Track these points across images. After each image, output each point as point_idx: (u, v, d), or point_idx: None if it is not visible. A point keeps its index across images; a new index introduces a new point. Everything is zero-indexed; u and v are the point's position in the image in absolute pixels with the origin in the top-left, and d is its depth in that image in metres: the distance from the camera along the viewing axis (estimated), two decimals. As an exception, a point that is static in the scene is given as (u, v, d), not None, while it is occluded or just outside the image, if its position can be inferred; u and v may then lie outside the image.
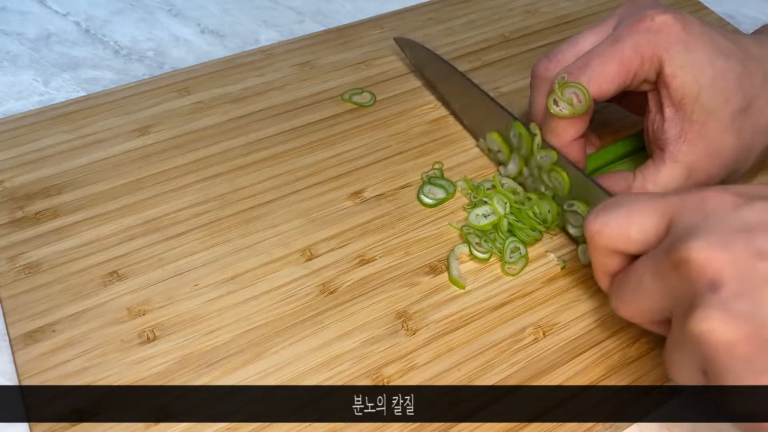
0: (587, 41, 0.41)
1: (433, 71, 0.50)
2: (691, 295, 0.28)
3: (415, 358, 0.36)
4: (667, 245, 0.30)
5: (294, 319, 0.37)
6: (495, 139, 0.44)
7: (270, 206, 0.42)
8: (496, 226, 0.41)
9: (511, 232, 0.41)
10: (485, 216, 0.42)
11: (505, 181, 0.43)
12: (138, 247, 0.40)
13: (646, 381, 0.35)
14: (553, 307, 0.38)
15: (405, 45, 0.51)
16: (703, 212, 0.29)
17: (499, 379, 0.35)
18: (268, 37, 0.56)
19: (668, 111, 0.39)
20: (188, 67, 0.51)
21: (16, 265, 0.39)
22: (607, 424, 0.34)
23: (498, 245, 0.40)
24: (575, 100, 0.39)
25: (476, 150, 0.47)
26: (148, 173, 0.44)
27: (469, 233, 0.41)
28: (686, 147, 0.39)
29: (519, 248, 0.41)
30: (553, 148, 0.40)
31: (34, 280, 0.38)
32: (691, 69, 0.37)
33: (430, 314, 0.38)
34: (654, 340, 0.37)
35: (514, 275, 0.39)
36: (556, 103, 0.39)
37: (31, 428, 0.33)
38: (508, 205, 0.42)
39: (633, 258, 0.33)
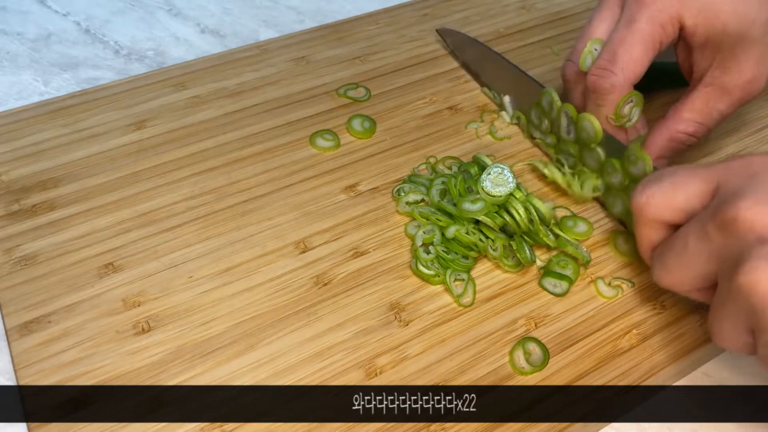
0: (600, 30, 0.42)
1: (475, 57, 0.51)
2: (738, 253, 0.29)
3: (407, 348, 0.36)
4: (714, 208, 0.30)
5: (288, 311, 0.37)
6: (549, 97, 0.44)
7: (264, 199, 0.43)
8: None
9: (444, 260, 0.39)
10: (425, 232, 0.40)
11: (424, 210, 0.41)
12: (133, 240, 0.40)
13: (636, 373, 0.35)
14: (545, 299, 0.38)
15: (446, 35, 0.53)
16: (749, 174, 0.30)
17: (491, 369, 0.35)
18: (268, 36, 0.56)
19: (698, 50, 0.40)
20: (184, 62, 0.51)
21: (13, 257, 0.39)
22: (598, 416, 0.34)
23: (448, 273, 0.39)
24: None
25: (469, 145, 0.47)
26: (144, 167, 0.44)
27: (420, 246, 0.40)
28: (719, 71, 0.40)
29: (462, 277, 0.39)
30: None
31: (30, 272, 0.38)
32: (711, 9, 0.39)
33: (423, 306, 0.38)
34: (644, 332, 0.37)
35: (467, 306, 0.38)
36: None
37: (26, 419, 0.33)
38: (437, 234, 0.40)
39: (675, 229, 0.34)
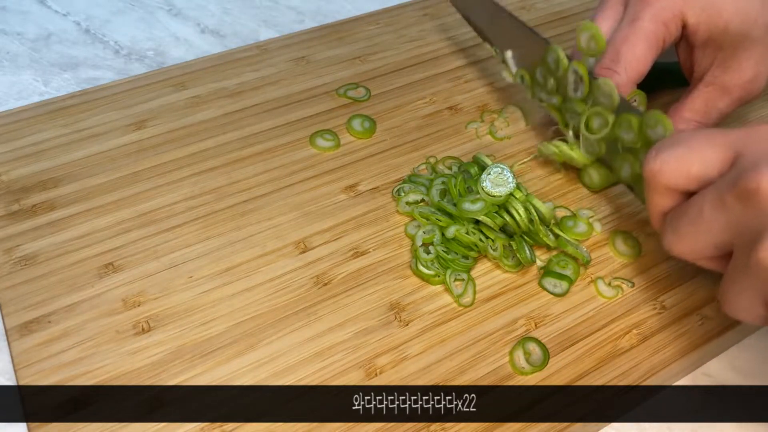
0: (604, 27, 0.41)
1: (477, 10, 0.50)
2: (759, 225, 0.28)
3: (407, 348, 0.36)
4: (733, 176, 0.29)
5: (288, 311, 0.37)
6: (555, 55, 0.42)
7: (264, 199, 0.43)
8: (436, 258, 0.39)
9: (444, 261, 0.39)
10: (425, 232, 0.40)
11: (424, 209, 0.41)
12: (133, 240, 0.40)
13: (636, 373, 0.35)
14: (546, 299, 0.38)
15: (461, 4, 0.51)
16: None
17: (491, 370, 0.35)
18: (268, 36, 0.56)
19: (699, 49, 0.40)
20: (184, 62, 0.51)
21: (13, 257, 0.39)
22: (598, 416, 0.34)
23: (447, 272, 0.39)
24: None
25: (470, 145, 0.47)
26: (144, 167, 0.44)
27: (420, 247, 0.40)
28: (720, 70, 0.40)
29: (462, 277, 0.39)
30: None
31: (30, 272, 0.38)
32: (713, 7, 0.39)
33: (423, 306, 0.38)
34: (644, 332, 0.37)
35: (467, 306, 0.38)
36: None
37: (26, 419, 0.33)
38: (437, 234, 0.40)
39: (688, 197, 0.33)
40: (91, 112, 0.48)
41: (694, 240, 0.32)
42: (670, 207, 0.33)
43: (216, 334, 0.36)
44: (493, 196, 0.38)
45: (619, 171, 0.40)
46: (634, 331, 0.37)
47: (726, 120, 0.43)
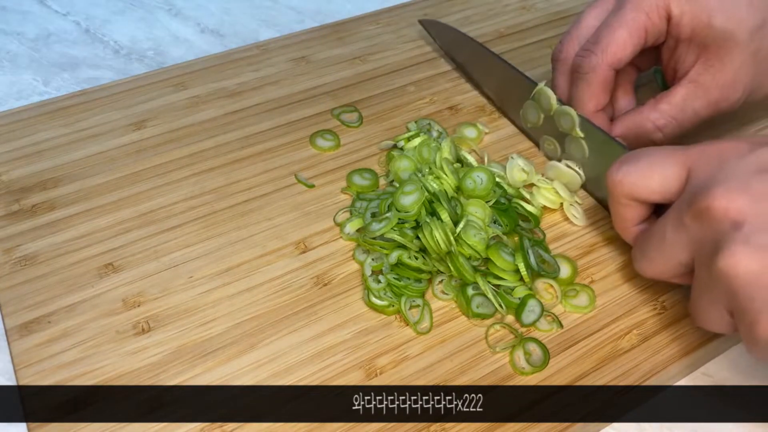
0: (590, 18, 0.43)
1: (460, 51, 0.51)
2: (714, 240, 0.30)
3: (407, 349, 0.36)
4: (688, 197, 0.31)
5: (288, 311, 0.37)
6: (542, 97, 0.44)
7: (265, 199, 0.43)
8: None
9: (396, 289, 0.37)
10: (373, 259, 0.39)
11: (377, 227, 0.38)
12: (133, 240, 0.40)
13: (637, 373, 0.35)
14: (546, 299, 0.38)
15: (431, 27, 0.52)
16: (721, 160, 0.31)
17: (491, 370, 0.35)
18: (268, 36, 0.56)
19: (683, 44, 0.41)
20: (184, 62, 0.51)
21: (13, 257, 0.39)
22: (598, 416, 0.34)
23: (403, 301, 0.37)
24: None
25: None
26: (144, 167, 0.44)
27: (369, 276, 0.38)
28: (702, 68, 0.41)
29: (417, 303, 0.37)
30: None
31: (30, 272, 0.38)
32: (697, 0, 0.39)
33: (423, 305, 0.38)
34: (645, 333, 0.37)
35: (425, 333, 0.36)
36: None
37: (26, 419, 0.33)
38: (386, 261, 0.38)
39: (651, 208, 0.35)
40: (91, 112, 0.48)
41: (663, 261, 0.34)
42: (633, 218, 0.36)
43: (216, 335, 0.36)
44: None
45: (597, 186, 0.42)
46: (635, 331, 0.37)
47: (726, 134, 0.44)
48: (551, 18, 0.57)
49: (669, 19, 0.40)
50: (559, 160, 0.43)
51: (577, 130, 0.42)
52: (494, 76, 0.48)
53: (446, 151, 0.42)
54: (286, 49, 0.53)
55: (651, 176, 0.34)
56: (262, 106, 0.49)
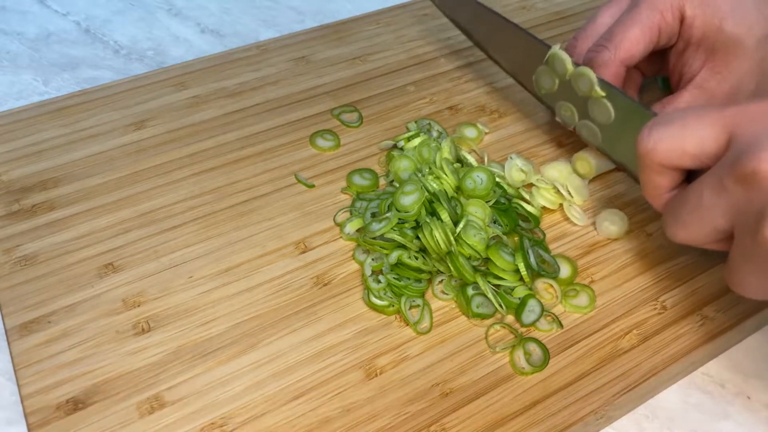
0: (605, 16, 0.43)
1: (476, 24, 0.48)
2: (760, 206, 0.28)
3: (407, 349, 0.36)
4: (731, 159, 0.29)
5: (288, 311, 0.37)
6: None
7: (265, 199, 0.43)
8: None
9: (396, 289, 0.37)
10: (373, 259, 0.39)
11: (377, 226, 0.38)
12: (133, 240, 0.40)
13: (637, 373, 0.35)
14: (546, 299, 0.38)
15: (444, 2, 0.50)
16: (766, 121, 0.29)
17: (491, 370, 0.35)
18: (268, 36, 0.56)
19: (692, 47, 0.41)
20: (184, 62, 0.51)
21: (13, 257, 0.39)
22: (598, 416, 0.34)
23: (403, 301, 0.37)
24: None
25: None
26: (144, 167, 0.44)
27: (369, 276, 0.38)
28: (708, 73, 0.41)
29: (417, 303, 0.37)
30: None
31: (30, 272, 0.38)
32: (711, 3, 0.39)
33: (423, 305, 0.38)
34: (645, 333, 0.37)
35: (425, 333, 0.36)
36: None
37: (26, 419, 0.33)
38: (386, 261, 0.38)
39: (684, 174, 0.33)
40: (91, 112, 0.48)
41: (697, 227, 0.32)
42: (667, 186, 0.33)
43: (216, 335, 0.36)
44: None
45: (615, 153, 0.41)
46: (635, 331, 0.37)
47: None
48: (551, 18, 0.57)
49: (682, 20, 0.40)
50: (574, 128, 0.43)
51: (597, 89, 0.40)
52: (510, 45, 0.46)
53: (446, 151, 0.42)
54: (286, 49, 0.53)
55: (685, 140, 0.31)
56: (262, 106, 0.49)
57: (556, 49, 0.42)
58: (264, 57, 0.52)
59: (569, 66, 0.41)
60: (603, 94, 0.40)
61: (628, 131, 0.39)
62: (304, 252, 0.40)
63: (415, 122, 0.47)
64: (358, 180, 0.43)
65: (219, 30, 0.58)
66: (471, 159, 0.43)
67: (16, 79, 0.53)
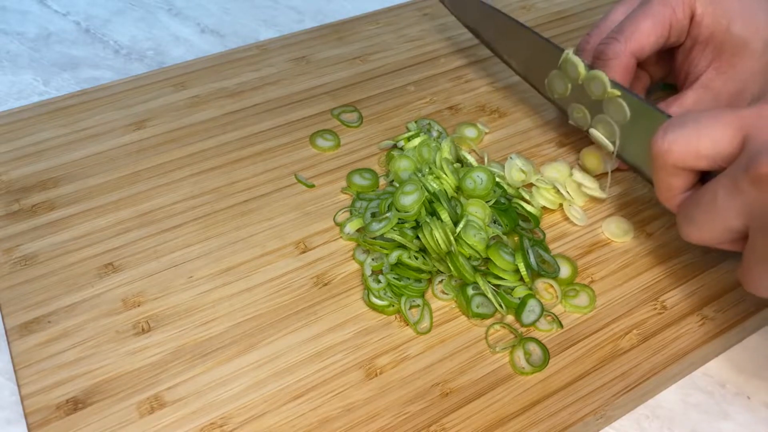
0: (618, 13, 0.43)
1: (486, 25, 0.48)
2: None
3: (407, 349, 0.36)
4: (746, 160, 0.29)
5: (288, 311, 0.37)
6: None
7: (265, 199, 0.43)
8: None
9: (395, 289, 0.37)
10: (373, 259, 0.39)
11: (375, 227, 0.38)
12: (133, 240, 0.40)
13: (637, 373, 0.35)
14: (545, 299, 0.38)
15: (454, 4, 0.50)
16: None
17: (491, 370, 0.35)
18: (267, 36, 0.56)
19: (700, 46, 0.41)
20: (184, 62, 0.51)
21: (12, 257, 0.39)
22: (598, 416, 0.34)
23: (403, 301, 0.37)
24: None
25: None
26: (144, 167, 0.44)
27: (369, 276, 0.38)
28: (714, 73, 0.41)
29: (417, 303, 0.37)
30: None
31: (30, 272, 0.38)
32: (720, 3, 0.40)
33: (423, 305, 0.38)
34: (645, 332, 0.37)
35: (425, 333, 0.36)
36: None
37: (26, 419, 0.33)
38: (386, 261, 0.38)
39: (699, 175, 0.33)
40: (91, 112, 0.47)
41: (711, 227, 0.32)
42: (681, 187, 0.34)
43: (216, 335, 0.36)
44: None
45: (628, 154, 0.41)
46: (635, 331, 0.37)
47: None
48: (551, 18, 0.57)
49: (692, 17, 0.40)
50: (588, 130, 0.43)
51: (610, 90, 0.40)
52: (522, 48, 0.46)
53: (446, 151, 0.42)
54: (286, 49, 0.53)
55: (700, 141, 0.31)
56: (262, 106, 0.49)
57: (569, 54, 0.42)
58: (264, 57, 0.52)
59: (582, 70, 0.41)
60: (618, 93, 0.40)
61: (641, 132, 0.39)
62: (304, 252, 0.40)
63: (415, 122, 0.47)
64: (358, 180, 0.43)
65: (219, 30, 0.58)
66: (471, 159, 0.43)
67: (16, 79, 0.53)
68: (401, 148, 0.45)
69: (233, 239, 0.40)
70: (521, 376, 0.35)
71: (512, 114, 0.49)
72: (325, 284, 0.38)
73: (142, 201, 0.42)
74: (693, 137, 0.32)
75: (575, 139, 0.47)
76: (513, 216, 0.40)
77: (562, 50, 0.43)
